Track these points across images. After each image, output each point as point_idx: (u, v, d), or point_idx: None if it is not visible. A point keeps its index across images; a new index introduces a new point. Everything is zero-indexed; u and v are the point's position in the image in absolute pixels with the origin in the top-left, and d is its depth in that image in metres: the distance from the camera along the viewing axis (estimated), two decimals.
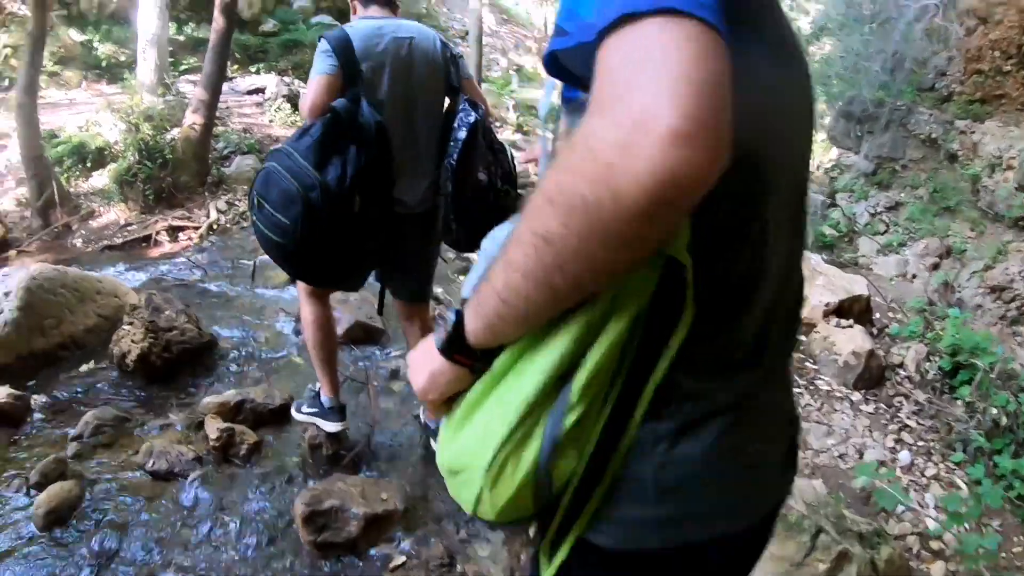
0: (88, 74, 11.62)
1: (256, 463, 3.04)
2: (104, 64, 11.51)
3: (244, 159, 8.12)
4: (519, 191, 2.32)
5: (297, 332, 4.32)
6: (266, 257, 2.61)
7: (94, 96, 10.96)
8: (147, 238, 6.77)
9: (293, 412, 3.01)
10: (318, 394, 2.84)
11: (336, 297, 3.28)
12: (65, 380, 3.81)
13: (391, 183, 2.16)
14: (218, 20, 7.41)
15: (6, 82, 10.73)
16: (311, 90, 2.12)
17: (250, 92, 11.00)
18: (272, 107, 9.71)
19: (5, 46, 10.66)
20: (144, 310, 3.92)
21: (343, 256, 2.13)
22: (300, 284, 2.49)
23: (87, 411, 3.29)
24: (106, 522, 2.67)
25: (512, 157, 2.34)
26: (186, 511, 2.75)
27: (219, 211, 7.13)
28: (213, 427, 3.07)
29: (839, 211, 9.17)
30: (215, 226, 6.91)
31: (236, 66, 12.99)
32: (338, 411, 2.80)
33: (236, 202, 7.40)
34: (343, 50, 2.09)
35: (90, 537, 2.58)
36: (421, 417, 3.27)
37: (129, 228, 6.95)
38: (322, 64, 2.10)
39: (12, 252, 6.87)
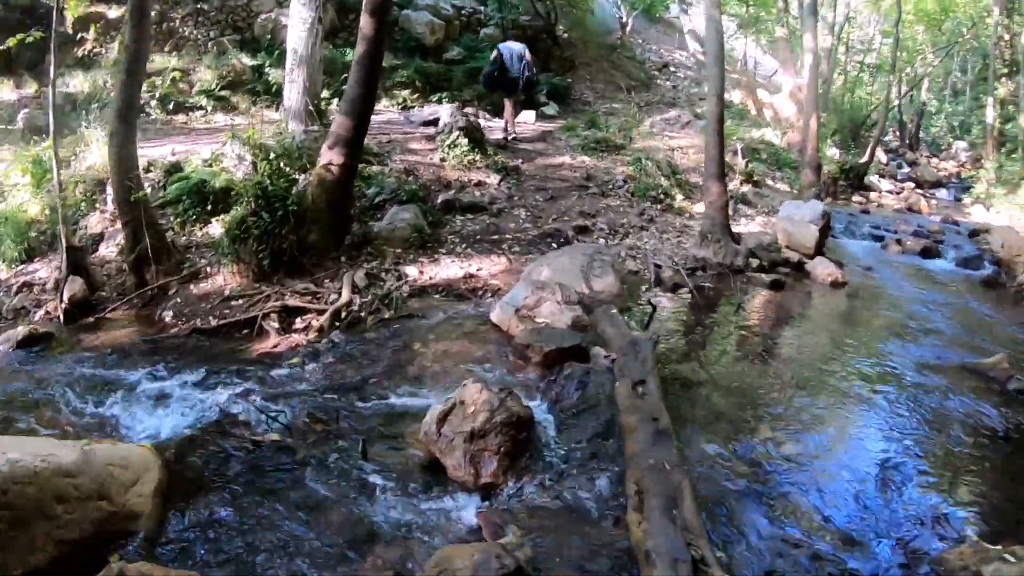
0: (257, 100, 10.40)
1: None
2: (275, 90, 10.18)
3: (401, 211, 5.84)
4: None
5: None
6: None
7: (260, 124, 9.60)
8: (252, 321, 4.66)
9: None
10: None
11: None
12: None
13: (507, 71, 8.94)
14: (366, 25, 5.22)
15: (171, 105, 9.80)
16: (493, 57, 9.24)
17: (427, 123, 9.06)
18: (445, 142, 7.48)
19: (174, 69, 9.68)
20: None
21: (499, 85, 9.31)
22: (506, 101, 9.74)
23: None
24: None
25: (533, 69, 9.30)
26: None
27: (355, 288, 4.89)
28: None
29: None
30: (344, 313, 4.65)
31: (416, 95, 11.33)
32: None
33: (381, 273, 5.14)
34: (498, 49, 9.25)
35: None
36: None
37: (232, 304, 4.89)
38: (494, 53, 9.14)
39: (91, 319, 5.10)
